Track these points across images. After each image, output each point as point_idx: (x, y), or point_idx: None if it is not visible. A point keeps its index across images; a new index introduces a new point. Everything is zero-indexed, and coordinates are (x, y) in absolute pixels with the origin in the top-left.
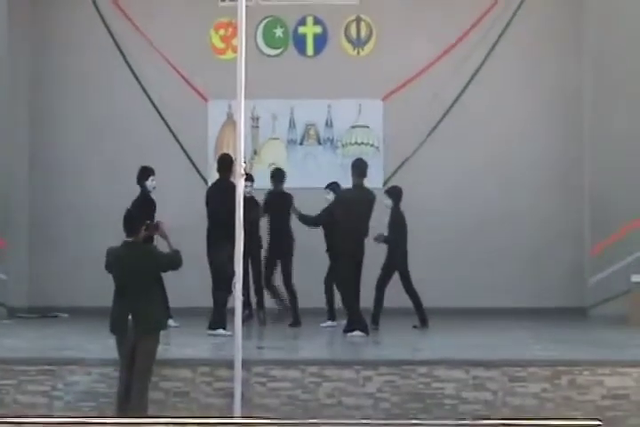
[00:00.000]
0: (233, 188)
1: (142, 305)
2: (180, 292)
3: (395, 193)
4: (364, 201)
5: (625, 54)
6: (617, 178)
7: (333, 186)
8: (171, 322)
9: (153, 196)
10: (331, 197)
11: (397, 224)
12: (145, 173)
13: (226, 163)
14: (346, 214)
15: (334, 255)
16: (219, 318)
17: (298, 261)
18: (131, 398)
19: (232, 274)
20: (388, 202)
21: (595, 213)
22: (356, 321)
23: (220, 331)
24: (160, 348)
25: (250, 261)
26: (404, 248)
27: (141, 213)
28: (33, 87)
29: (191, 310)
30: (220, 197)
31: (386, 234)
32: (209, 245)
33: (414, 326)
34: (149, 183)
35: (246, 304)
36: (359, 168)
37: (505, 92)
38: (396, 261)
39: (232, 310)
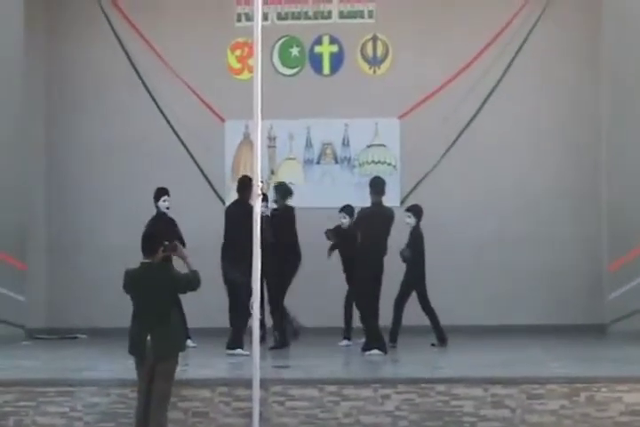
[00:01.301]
0: (251, 209)
1: (161, 327)
2: (197, 312)
3: (417, 211)
4: (384, 218)
5: None
6: (635, 193)
7: (348, 209)
8: (189, 342)
9: (171, 215)
10: (347, 221)
11: (417, 243)
12: (158, 193)
13: (246, 184)
14: (366, 232)
15: (351, 277)
16: (237, 338)
17: (315, 281)
18: (149, 419)
19: (249, 294)
20: (412, 220)
21: (612, 229)
22: (374, 339)
23: (239, 351)
24: (178, 368)
25: (265, 282)
26: (422, 267)
27: (157, 232)
28: (49, 108)
29: (209, 330)
30: (237, 217)
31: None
32: (225, 265)
33: (432, 345)
34: (161, 204)
35: (261, 325)
36: (378, 186)
37: (522, 109)
38: (415, 280)
39: (249, 330)
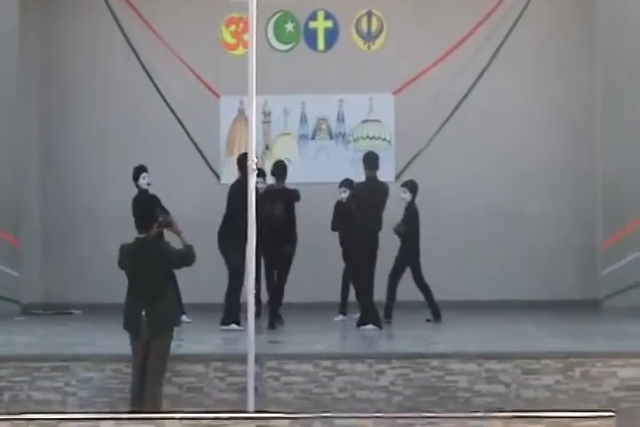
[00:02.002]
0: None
1: (155, 302)
2: (192, 287)
3: (413, 187)
4: (379, 193)
5: (637, 47)
6: (630, 170)
7: (348, 183)
8: (184, 318)
9: (153, 191)
10: (347, 195)
11: (412, 218)
12: (137, 172)
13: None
14: (360, 207)
15: (348, 252)
16: (230, 313)
17: (311, 257)
18: (144, 394)
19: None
20: (407, 196)
21: (607, 205)
22: (369, 315)
23: (233, 326)
24: (173, 344)
25: (262, 259)
26: (417, 242)
27: (142, 210)
28: (44, 84)
29: (204, 306)
30: (239, 195)
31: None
32: (223, 241)
33: (427, 320)
34: (142, 181)
35: (257, 301)
36: (371, 161)
37: (517, 85)
38: (409, 256)
39: (245, 306)
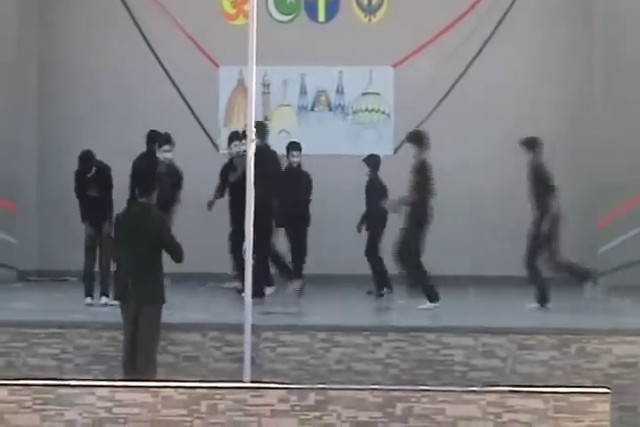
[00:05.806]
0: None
1: (143, 272)
2: (188, 257)
3: (372, 162)
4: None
5: (637, 22)
6: (627, 149)
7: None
8: None
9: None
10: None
11: (374, 193)
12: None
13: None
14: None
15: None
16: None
17: (313, 229)
18: (136, 362)
19: None
20: (366, 170)
21: (604, 184)
22: (425, 291)
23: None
24: (168, 312)
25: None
26: (383, 216)
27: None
28: (41, 55)
29: (200, 275)
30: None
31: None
32: None
33: (368, 292)
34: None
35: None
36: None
37: (517, 59)
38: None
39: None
